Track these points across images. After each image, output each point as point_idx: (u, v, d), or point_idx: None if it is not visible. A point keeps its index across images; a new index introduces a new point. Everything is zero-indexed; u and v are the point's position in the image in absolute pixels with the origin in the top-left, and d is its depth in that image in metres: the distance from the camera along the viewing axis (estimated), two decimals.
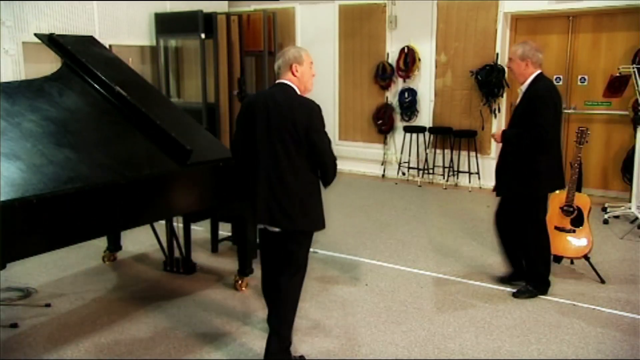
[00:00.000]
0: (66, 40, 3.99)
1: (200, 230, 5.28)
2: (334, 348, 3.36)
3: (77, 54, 3.88)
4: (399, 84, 8.02)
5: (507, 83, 7.13)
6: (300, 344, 3.39)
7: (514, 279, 4.22)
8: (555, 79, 7.09)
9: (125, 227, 3.85)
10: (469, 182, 7.51)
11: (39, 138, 3.21)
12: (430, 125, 7.77)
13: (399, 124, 8.08)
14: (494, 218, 4.25)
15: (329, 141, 2.94)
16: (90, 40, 4.33)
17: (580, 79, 6.98)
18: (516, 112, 3.97)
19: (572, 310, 3.85)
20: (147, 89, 4.37)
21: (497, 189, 4.10)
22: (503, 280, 4.29)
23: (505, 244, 4.22)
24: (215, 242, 5.01)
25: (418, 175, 7.91)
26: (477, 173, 7.46)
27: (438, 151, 7.80)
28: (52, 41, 3.96)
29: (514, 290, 4.09)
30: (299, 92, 2.96)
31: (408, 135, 7.85)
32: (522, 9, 7.06)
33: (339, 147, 8.58)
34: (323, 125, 2.92)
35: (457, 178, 7.66)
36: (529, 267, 4.12)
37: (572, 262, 4.57)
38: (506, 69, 3.90)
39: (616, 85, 6.03)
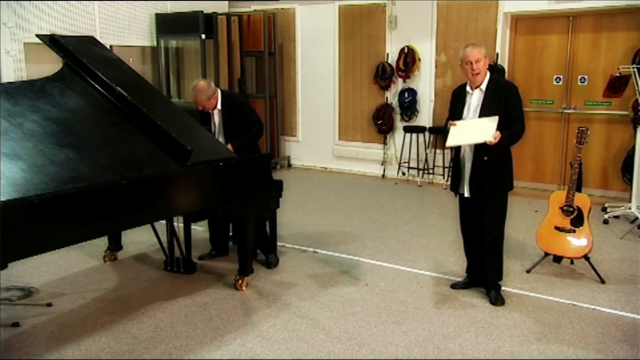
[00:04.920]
0: (67, 40, 3.99)
1: (201, 230, 5.29)
2: (334, 348, 3.37)
3: (78, 54, 3.88)
4: (398, 84, 8.02)
5: None
6: (299, 343, 3.41)
7: (470, 285, 4.15)
8: (556, 79, 7.12)
9: (125, 227, 3.86)
10: None
11: (40, 138, 3.21)
12: (430, 125, 7.78)
13: (399, 124, 8.08)
14: (462, 224, 4.07)
15: None
16: (91, 41, 4.33)
17: (580, 79, 6.98)
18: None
19: (572, 310, 3.85)
20: (147, 89, 4.38)
21: (479, 190, 3.83)
22: (457, 287, 4.19)
23: (474, 250, 4.07)
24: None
25: (418, 175, 7.91)
26: None
27: (438, 151, 7.80)
28: (53, 42, 3.96)
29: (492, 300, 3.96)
30: None
31: (408, 135, 7.85)
32: (522, 9, 7.06)
33: (339, 147, 8.59)
34: None
35: None
36: (495, 267, 3.97)
37: (572, 262, 4.58)
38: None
39: (616, 85, 6.04)
